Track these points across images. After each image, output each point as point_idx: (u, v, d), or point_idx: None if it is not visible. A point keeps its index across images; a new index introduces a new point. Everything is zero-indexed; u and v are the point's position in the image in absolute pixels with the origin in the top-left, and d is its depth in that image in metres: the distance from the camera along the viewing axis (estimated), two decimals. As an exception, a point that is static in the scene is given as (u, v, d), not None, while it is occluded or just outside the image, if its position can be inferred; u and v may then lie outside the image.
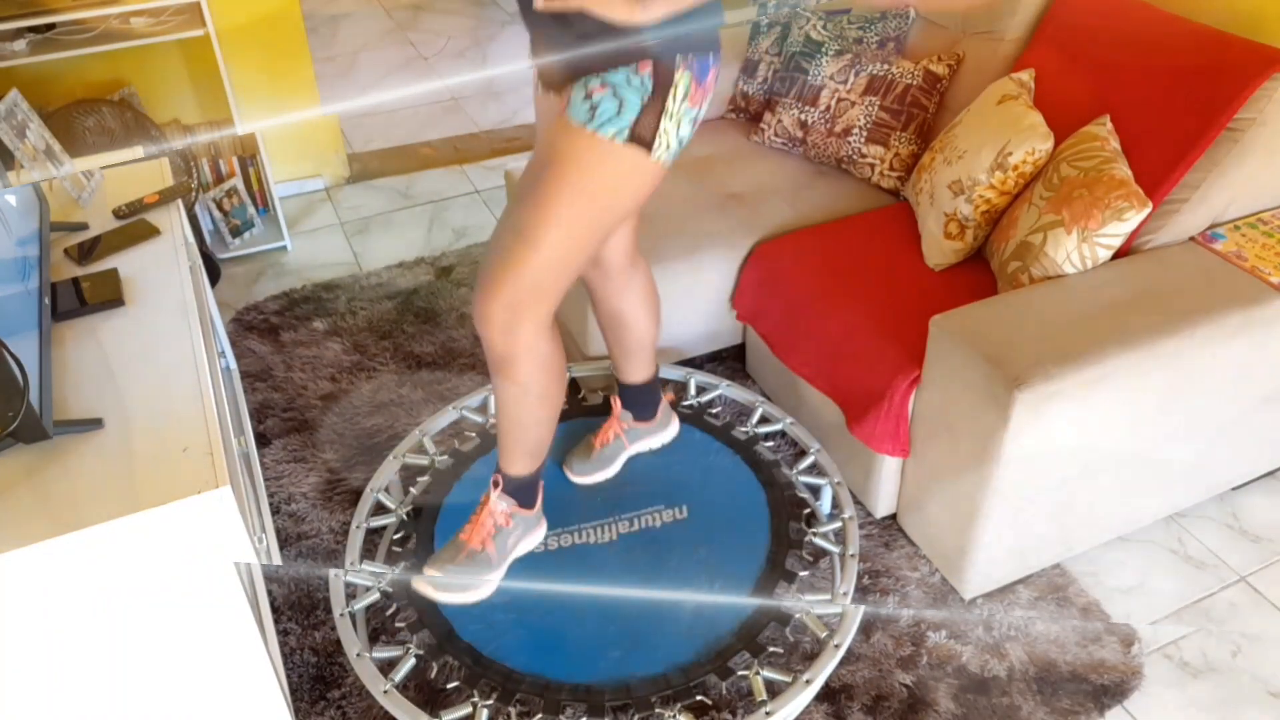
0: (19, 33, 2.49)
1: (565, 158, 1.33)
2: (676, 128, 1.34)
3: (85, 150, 2.55)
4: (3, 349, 1.16)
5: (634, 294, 1.72)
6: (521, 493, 1.66)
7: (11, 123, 1.74)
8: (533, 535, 1.73)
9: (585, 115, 1.31)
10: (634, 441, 1.93)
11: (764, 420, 2.07)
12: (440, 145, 3.66)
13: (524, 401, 1.50)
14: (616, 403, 1.90)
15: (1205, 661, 1.75)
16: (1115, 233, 1.74)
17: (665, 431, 1.96)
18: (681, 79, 1.30)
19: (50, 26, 2.54)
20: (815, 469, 1.96)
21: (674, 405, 1.99)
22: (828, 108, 2.36)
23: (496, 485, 1.65)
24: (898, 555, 1.93)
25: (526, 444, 1.58)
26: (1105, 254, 1.77)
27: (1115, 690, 1.69)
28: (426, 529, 1.85)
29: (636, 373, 1.83)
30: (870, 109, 2.31)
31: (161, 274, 1.61)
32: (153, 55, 2.81)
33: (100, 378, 1.38)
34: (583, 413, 2.14)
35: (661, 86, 1.30)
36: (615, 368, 1.85)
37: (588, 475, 1.90)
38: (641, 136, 1.31)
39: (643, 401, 1.88)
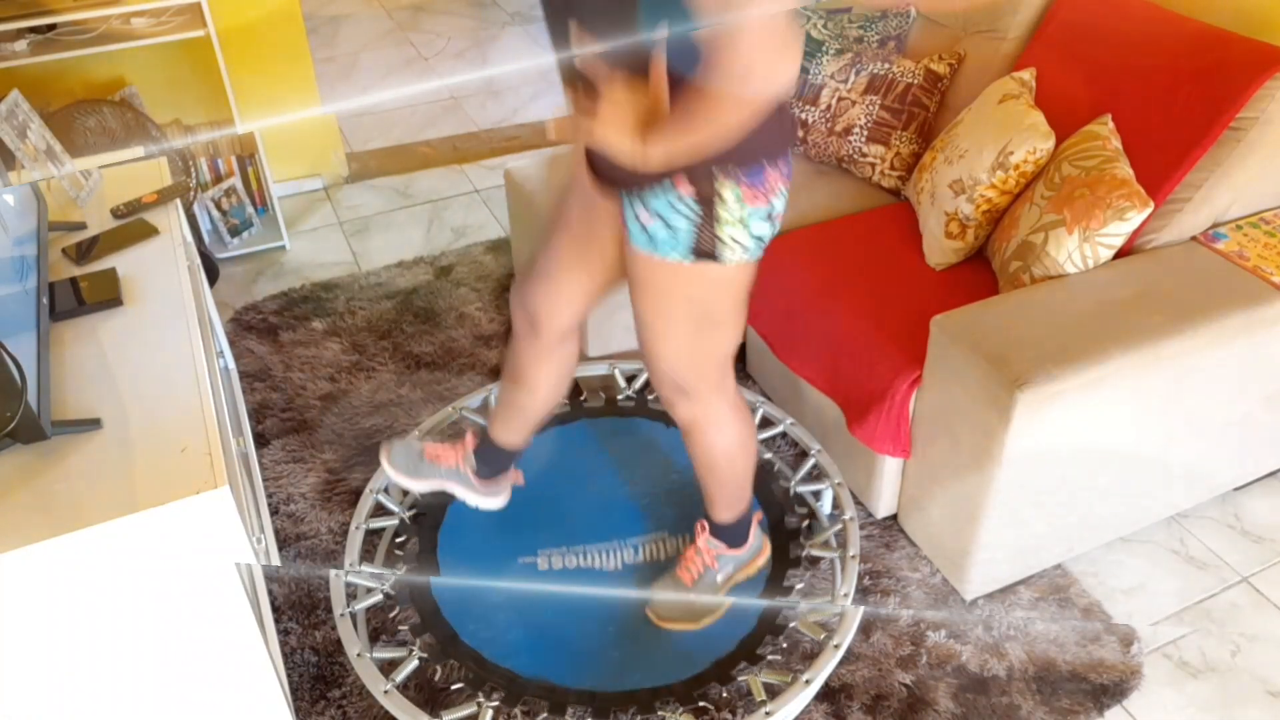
0: (20, 33, 2.49)
1: (647, 287, 1.36)
2: (745, 230, 1.28)
3: (86, 150, 2.55)
4: (1, 349, 1.16)
5: (553, 368, 1.65)
6: (728, 535, 1.69)
7: (13, 123, 1.74)
8: (751, 565, 1.76)
9: (646, 243, 1.30)
10: (466, 494, 1.84)
11: (765, 421, 2.07)
12: (439, 145, 3.65)
13: (718, 460, 1.56)
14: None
15: (1204, 661, 1.74)
16: (1117, 232, 1.73)
17: (497, 498, 1.87)
18: (725, 189, 1.23)
19: (51, 27, 2.53)
20: (816, 470, 1.96)
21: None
22: (828, 107, 2.36)
23: (704, 530, 1.70)
24: (899, 556, 1.92)
25: (727, 495, 1.63)
26: (1107, 254, 1.77)
27: (1115, 690, 1.68)
28: (426, 530, 1.85)
29: (513, 436, 1.76)
30: (871, 108, 2.31)
31: (160, 274, 1.61)
32: (153, 56, 2.81)
33: (98, 378, 1.38)
34: (584, 414, 2.14)
35: (705, 200, 1.24)
36: (493, 421, 1.77)
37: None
38: (704, 252, 1.28)
39: (495, 463, 1.80)
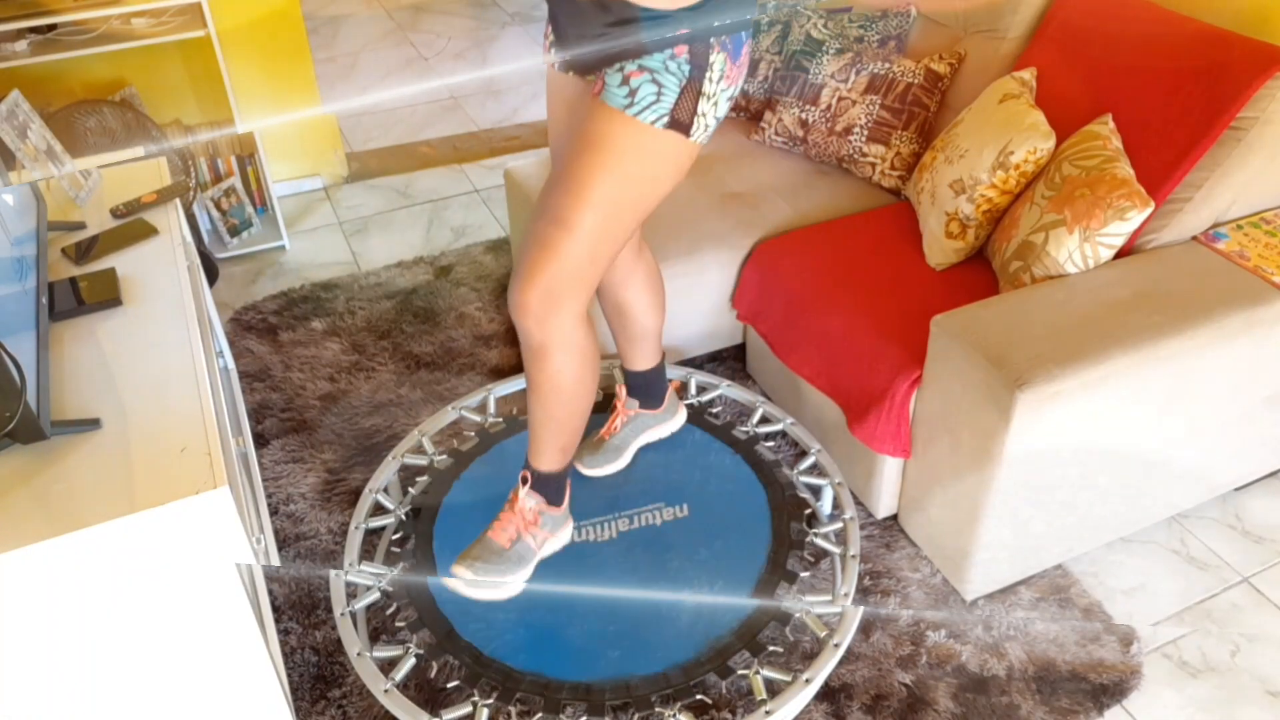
0: (20, 33, 2.49)
1: (602, 143, 1.31)
2: (714, 108, 1.33)
3: (87, 151, 2.55)
4: (0, 349, 1.16)
5: (638, 284, 1.72)
6: (550, 489, 1.63)
7: (13, 123, 1.74)
8: (560, 534, 1.71)
9: (623, 100, 1.30)
10: (641, 431, 1.92)
11: (765, 421, 2.07)
12: (439, 144, 3.65)
13: (558, 393, 1.48)
14: (622, 391, 1.90)
15: (1204, 661, 1.74)
16: (1117, 232, 1.73)
17: (673, 420, 1.96)
18: (717, 59, 1.29)
19: (52, 27, 2.53)
20: (816, 469, 1.96)
21: (680, 394, 1.99)
22: (829, 106, 2.36)
23: (525, 482, 1.62)
24: (899, 556, 1.92)
25: (559, 438, 1.56)
26: (1107, 253, 1.77)
27: (1114, 689, 1.68)
28: (426, 530, 1.85)
29: (641, 360, 1.83)
30: (871, 108, 2.30)
31: (159, 274, 1.61)
32: (154, 56, 2.81)
33: (98, 378, 1.37)
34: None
35: (698, 69, 1.29)
36: (621, 354, 1.85)
37: (598, 467, 1.89)
38: (680, 120, 1.31)
39: (648, 389, 1.88)
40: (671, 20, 1.25)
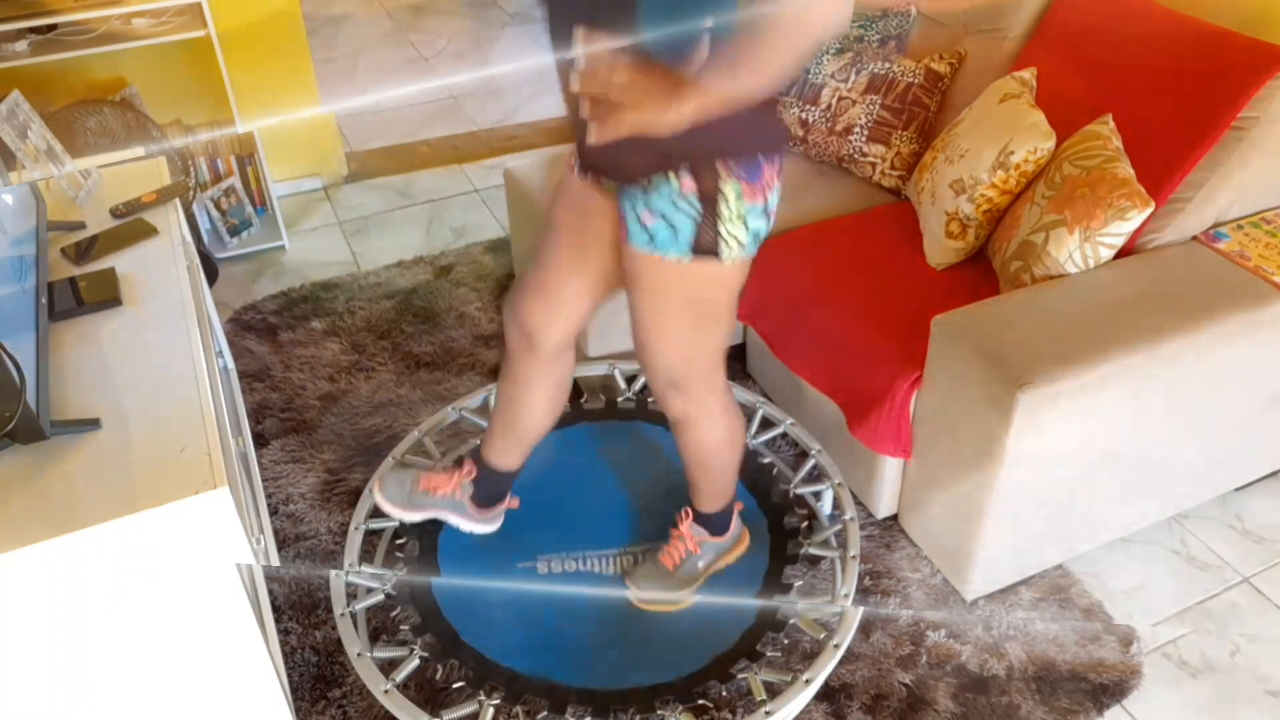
0: (21, 33, 2.49)
1: (645, 284, 1.36)
2: (743, 226, 1.30)
3: (87, 151, 2.55)
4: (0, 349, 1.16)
5: (548, 385, 1.64)
6: (712, 524, 1.73)
7: (13, 123, 1.74)
8: (731, 553, 1.80)
9: (645, 243, 1.31)
10: (453, 518, 1.83)
11: (765, 421, 2.07)
12: (439, 144, 3.65)
13: (707, 454, 1.59)
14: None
15: (1204, 661, 1.74)
16: (1118, 232, 1.73)
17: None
18: (727, 187, 1.25)
19: (52, 27, 2.53)
20: (816, 470, 1.96)
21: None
22: (829, 106, 2.36)
23: (687, 517, 1.74)
24: (899, 556, 1.92)
25: (714, 488, 1.67)
26: (1108, 253, 1.76)
27: (1114, 689, 1.68)
28: (426, 530, 1.85)
29: (509, 458, 1.75)
30: (871, 107, 2.30)
31: (159, 273, 1.61)
32: (154, 56, 2.81)
33: (97, 378, 1.37)
34: (584, 416, 2.14)
35: (708, 198, 1.26)
36: (486, 443, 1.75)
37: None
38: (705, 249, 1.30)
39: (493, 488, 1.79)
40: (670, 143, 1.14)
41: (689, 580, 1.74)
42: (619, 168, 1.30)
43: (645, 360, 1.47)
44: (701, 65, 1.13)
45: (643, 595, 1.72)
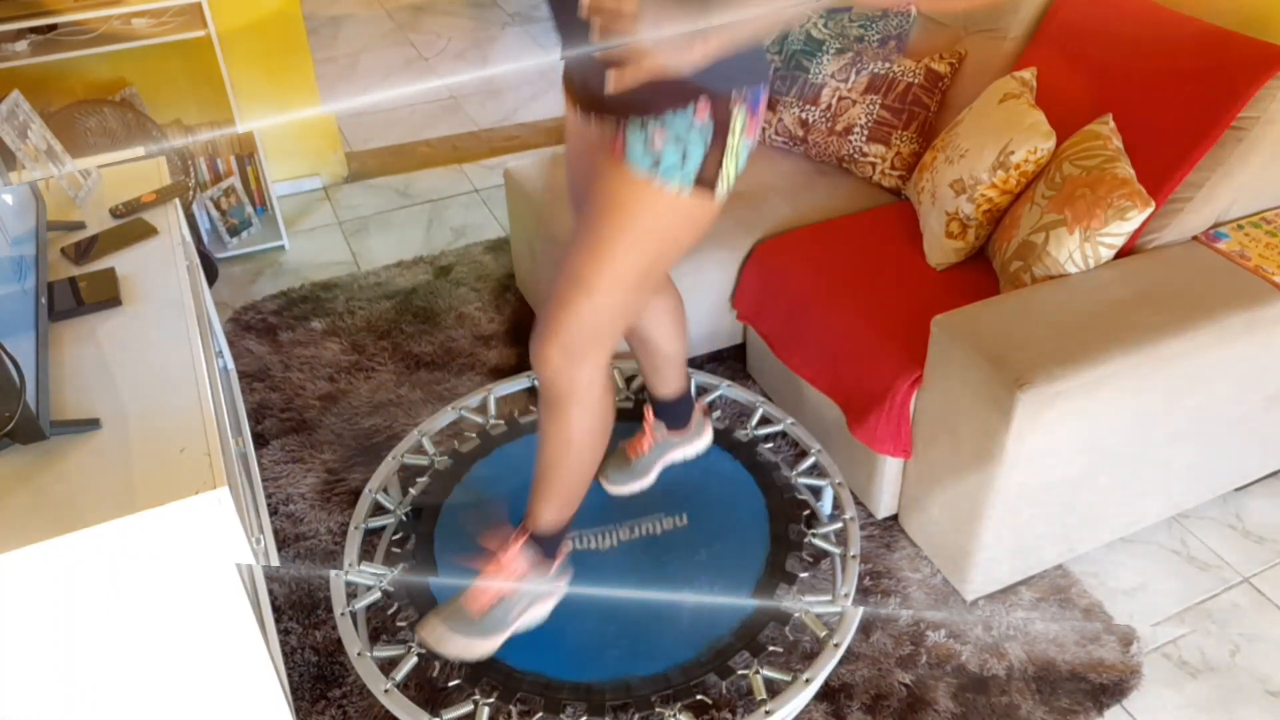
0: (21, 34, 2.49)
1: (627, 209, 1.30)
2: (735, 163, 1.32)
3: (87, 151, 2.55)
4: (-1, 349, 1.16)
5: (663, 316, 1.71)
6: (546, 546, 1.58)
7: (13, 123, 1.74)
8: (542, 605, 1.62)
9: (648, 166, 1.27)
10: (666, 452, 1.92)
11: (765, 421, 2.07)
12: (439, 144, 3.65)
13: (568, 444, 1.46)
14: (649, 413, 1.89)
15: (1204, 660, 1.74)
16: (1118, 232, 1.73)
17: (700, 441, 1.95)
18: (739, 114, 1.27)
19: (52, 27, 2.53)
20: (816, 470, 1.96)
21: (707, 414, 1.97)
22: (829, 106, 2.36)
23: (521, 537, 1.57)
24: (899, 556, 1.92)
25: (562, 494, 1.52)
26: (1108, 253, 1.76)
27: (1114, 689, 1.68)
28: (425, 530, 1.85)
29: (666, 386, 1.82)
30: (871, 108, 2.30)
31: (159, 273, 1.61)
32: (154, 56, 2.81)
33: (97, 378, 1.37)
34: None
35: (721, 126, 1.27)
36: (646, 382, 1.85)
37: (623, 485, 1.89)
38: (706, 179, 1.29)
39: (675, 413, 1.87)
40: (691, 78, 1.22)
41: (493, 629, 1.55)
42: (633, 105, 1.27)
43: (571, 305, 1.35)
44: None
45: (434, 640, 1.55)
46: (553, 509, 1.53)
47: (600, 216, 1.32)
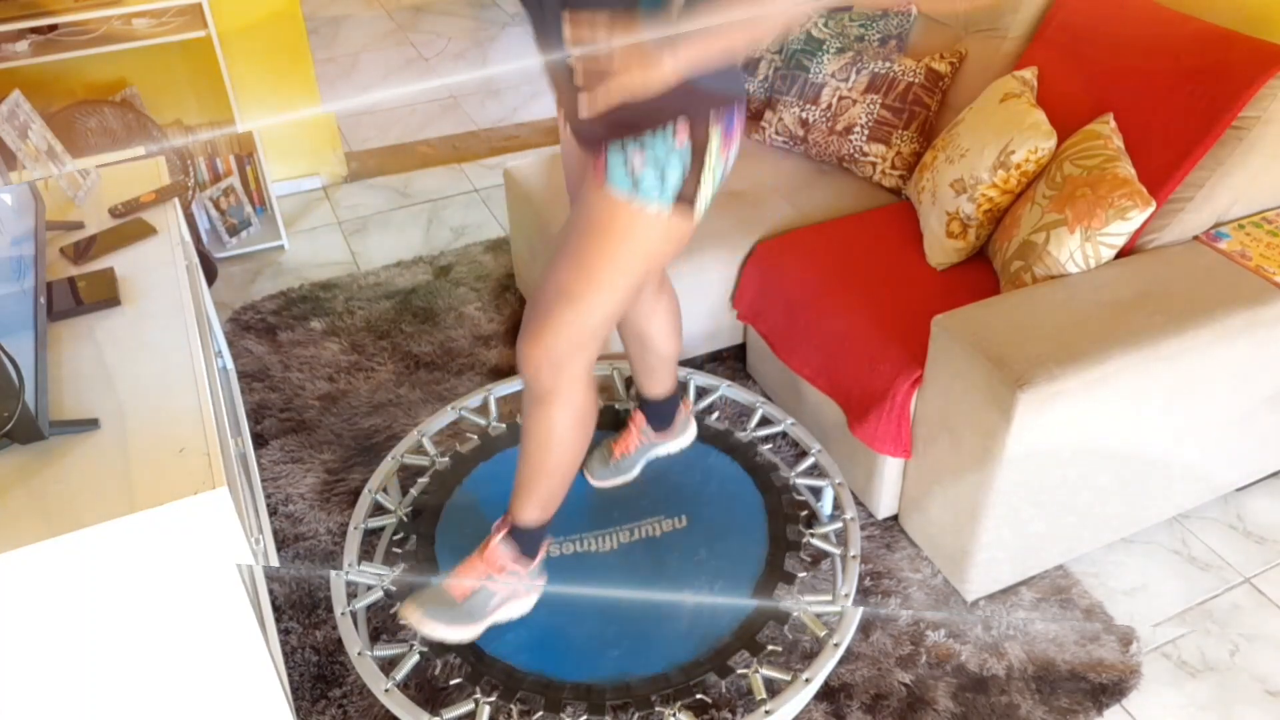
0: (21, 34, 2.49)
1: (608, 229, 1.34)
2: (714, 179, 1.36)
3: (88, 151, 2.55)
4: (-2, 348, 1.16)
5: (660, 317, 1.74)
6: (526, 542, 1.60)
7: (14, 123, 1.74)
8: (521, 600, 1.64)
9: (627, 187, 1.32)
10: (651, 450, 1.95)
11: (765, 421, 2.07)
12: (438, 144, 3.65)
13: (550, 442, 1.49)
14: (638, 415, 1.91)
15: (1204, 660, 1.74)
16: (1118, 232, 1.73)
17: (684, 437, 1.97)
18: (715, 134, 1.31)
19: (52, 28, 2.53)
20: (816, 470, 1.96)
21: (688, 407, 1.98)
22: (829, 106, 2.36)
23: (502, 529, 1.60)
24: (899, 557, 1.92)
25: (543, 490, 1.54)
26: (1108, 253, 1.76)
27: (1114, 689, 1.68)
28: (425, 530, 1.85)
29: (656, 387, 1.86)
30: (872, 107, 2.30)
31: (158, 273, 1.60)
32: (154, 56, 2.81)
33: (96, 378, 1.37)
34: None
35: (699, 146, 1.31)
36: (637, 382, 1.87)
37: (607, 480, 1.92)
38: (685, 198, 1.34)
39: (663, 414, 1.90)
40: (667, 98, 1.25)
41: (472, 616, 1.58)
42: (612, 128, 1.32)
43: (555, 314, 1.38)
44: (678, 20, 1.17)
45: (415, 621, 1.56)
46: (534, 505, 1.56)
47: (584, 235, 1.36)
